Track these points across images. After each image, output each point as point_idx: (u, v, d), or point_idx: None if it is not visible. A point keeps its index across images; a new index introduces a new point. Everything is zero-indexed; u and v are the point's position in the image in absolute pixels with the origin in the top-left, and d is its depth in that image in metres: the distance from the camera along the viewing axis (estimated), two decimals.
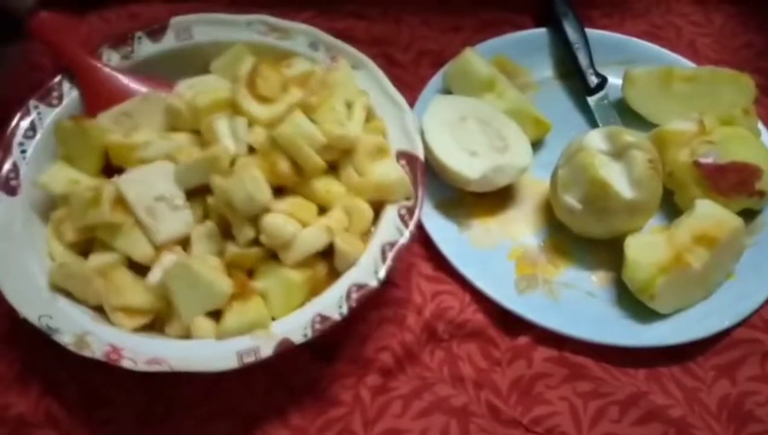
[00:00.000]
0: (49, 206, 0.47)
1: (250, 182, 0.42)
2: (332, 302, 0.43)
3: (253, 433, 0.44)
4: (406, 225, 0.45)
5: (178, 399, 0.45)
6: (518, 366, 0.48)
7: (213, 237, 0.44)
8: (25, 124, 0.48)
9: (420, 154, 0.48)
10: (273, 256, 0.45)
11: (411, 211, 0.46)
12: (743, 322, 0.50)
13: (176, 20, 0.53)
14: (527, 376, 0.47)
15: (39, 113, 0.49)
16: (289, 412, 0.45)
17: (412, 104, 0.57)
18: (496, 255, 0.52)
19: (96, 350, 0.40)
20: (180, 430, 0.44)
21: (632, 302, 0.49)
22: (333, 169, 0.48)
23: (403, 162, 0.48)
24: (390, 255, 0.44)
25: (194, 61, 0.52)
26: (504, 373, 0.47)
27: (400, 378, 0.47)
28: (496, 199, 0.54)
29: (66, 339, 0.41)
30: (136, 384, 0.44)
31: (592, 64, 0.61)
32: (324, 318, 0.42)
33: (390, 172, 0.47)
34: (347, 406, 0.45)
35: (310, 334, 0.41)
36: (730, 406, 0.47)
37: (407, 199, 0.47)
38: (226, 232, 0.45)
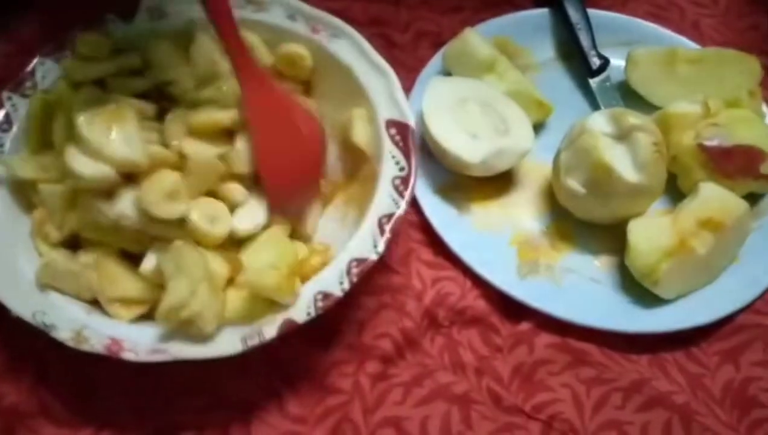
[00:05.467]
0: (31, 199, 0.46)
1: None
2: (333, 279, 0.42)
3: (251, 423, 0.43)
4: (402, 196, 0.44)
5: (174, 388, 0.44)
6: (520, 352, 0.47)
7: None
8: (0, 116, 0.47)
9: (410, 121, 0.46)
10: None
11: (405, 180, 0.44)
12: (747, 307, 0.49)
13: (148, 0, 0.51)
14: (529, 362, 0.47)
15: (13, 105, 0.47)
16: (287, 401, 0.44)
17: (410, 86, 0.56)
18: (497, 240, 0.51)
19: (95, 344, 0.39)
20: (177, 419, 0.43)
21: (635, 288, 0.49)
22: None
23: (393, 131, 0.46)
24: (387, 227, 0.43)
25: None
26: (505, 359, 0.47)
27: (400, 365, 0.46)
28: (498, 183, 0.53)
29: (63, 335, 0.40)
30: (131, 373, 0.43)
31: (594, 45, 0.60)
32: (326, 295, 0.41)
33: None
34: (346, 394, 0.45)
35: (313, 312, 0.40)
36: (734, 391, 0.46)
37: (400, 169, 0.45)
38: None
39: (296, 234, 0.47)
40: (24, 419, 0.43)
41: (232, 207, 0.45)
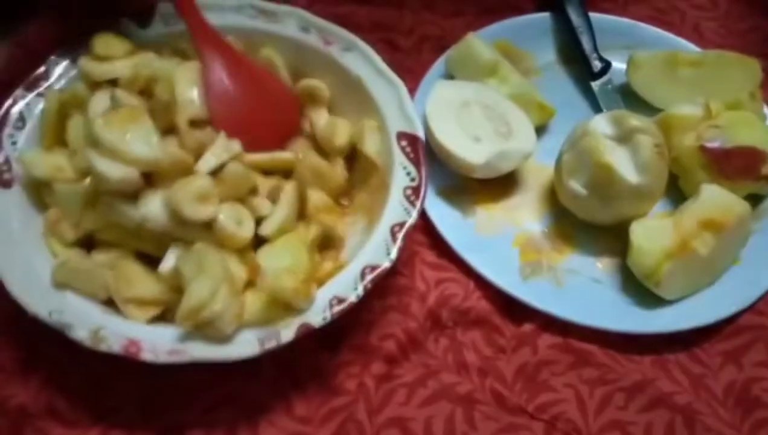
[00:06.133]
0: (43, 198, 0.46)
1: None
2: (347, 284, 0.42)
3: (257, 423, 0.44)
4: (413, 205, 0.45)
5: (182, 388, 0.44)
6: (523, 353, 0.47)
7: None
8: (14, 114, 0.47)
9: (420, 133, 0.48)
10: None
11: (416, 190, 0.46)
12: (749, 308, 0.49)
13: (163, 6, 0.51)
14: (532, 363, 0.47)
15: (27, 103, 0.48)
16: (293, 401, 0.45)
17: (414, 90, 0.57)
18: (500, 242, 0.52)
19: (113, 344, 0.39)
20: (184, 419, 0.44)
21: (638, 288, 0.49)
22: None
23: (404, 142, 0.47)
24: (399, 235, 0.44)
25: (186, 47, 0.50)
26: (509, 360, 0.47)
27: (404, 366, 0.46)
28: (500, 185, 0.54)
29: (80, 335, 0.40)
30: (139, 373, 0.44)
31: (595, 49, 0.61)
32: (341, 300, 0.42)
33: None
34: (352, 395, 0.45)
35: (329, 316, 0.41)
36: (737, 392, 0.46)
37: (412, 179, 0.46)
38: None
39: (329, 240, 0.48)
40: (32, 419, 0.43)
41: (257, 218, 0.45)
